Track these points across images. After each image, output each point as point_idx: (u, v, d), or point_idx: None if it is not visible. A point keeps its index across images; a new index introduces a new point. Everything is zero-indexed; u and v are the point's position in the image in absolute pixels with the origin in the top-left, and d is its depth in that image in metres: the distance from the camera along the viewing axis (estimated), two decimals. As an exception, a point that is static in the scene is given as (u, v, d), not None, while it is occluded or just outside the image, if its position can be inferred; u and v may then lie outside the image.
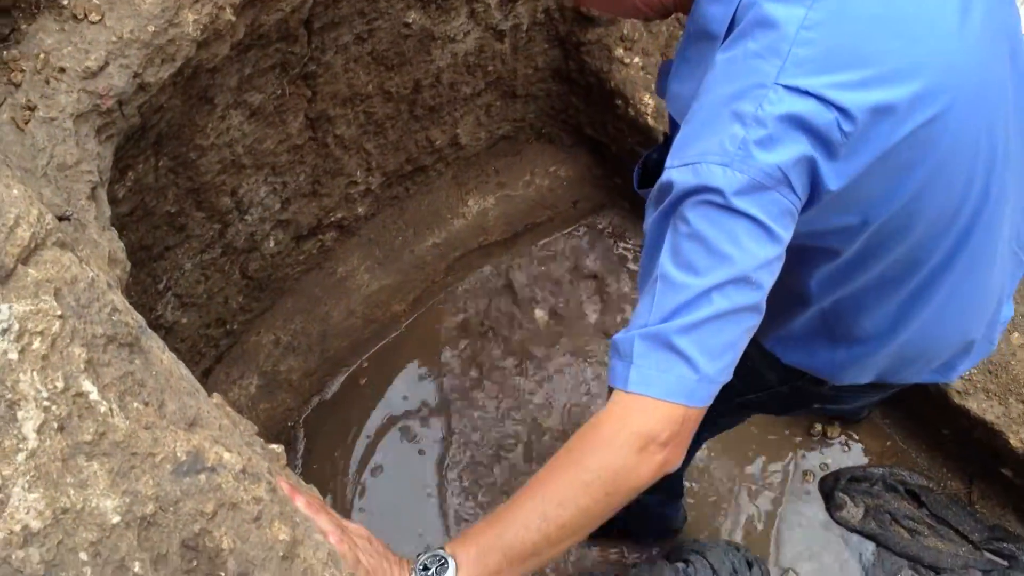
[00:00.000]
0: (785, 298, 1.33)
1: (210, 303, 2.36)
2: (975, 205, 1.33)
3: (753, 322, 1.19)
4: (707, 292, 1.14)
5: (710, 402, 1.19)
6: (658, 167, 1.54)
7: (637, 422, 1.16)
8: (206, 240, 2.21)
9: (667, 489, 2.24)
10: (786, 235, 1.17)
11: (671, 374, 1.15)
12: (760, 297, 1.18)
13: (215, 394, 1.28)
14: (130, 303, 2.01)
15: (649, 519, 2.41)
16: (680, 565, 2.24)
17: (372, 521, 2.59)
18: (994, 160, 1.31)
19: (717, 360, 1.16)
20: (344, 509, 2.60)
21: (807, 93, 1.12)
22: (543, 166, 3.01)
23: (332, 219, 2.61)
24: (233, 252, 2.34)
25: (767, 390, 1.74)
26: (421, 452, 2.70)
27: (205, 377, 2.50)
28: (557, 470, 1.18)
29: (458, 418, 2.75)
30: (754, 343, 1.61)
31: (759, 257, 1.15)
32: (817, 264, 1.39)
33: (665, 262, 1.17)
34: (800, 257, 1.22)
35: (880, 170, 1.21)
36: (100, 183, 1.43)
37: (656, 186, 1.23)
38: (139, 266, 2.01)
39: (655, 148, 1.64)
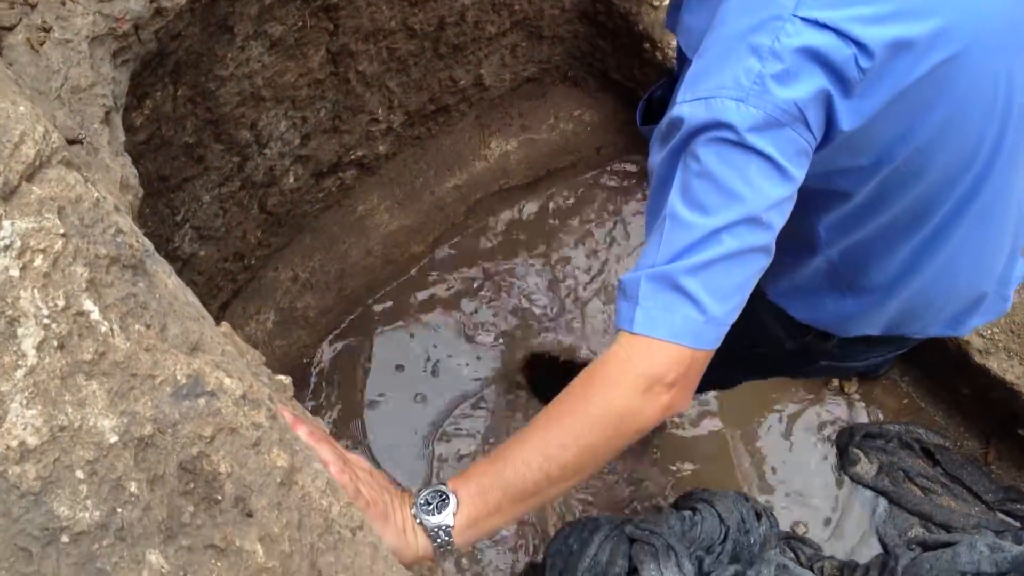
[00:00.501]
0: (793, 246, 1.32)
1: (228, 237, 2.36)
2: (989, 153, 1.30)
3: (762, 263, 1.17)
4: (716, 232, 1.11)
5: (717, 344, 1.17)
6: (662, 105, 1.50)
7: (642, 363, 1.14)
8: (225, 173, 2.20)
9: None
10: (799, 175, 1.14)
11: (677, 315, 1.13)
12: (770, 238, 1.15)
13: (224, 323, 1.28)
14: (146, 233, 2.01)
15: None
16: (687, 513, 2.23)
17: (377, 456, 2.61)
18: (1011, 107, 1.27)
19: (725, 302, 1.15)
20: (350, 444, 2.62)
21: (825, 26, 1.09)
22: (568, 110, 2.97)
23: (352, 157, 2.59)
24: (252, 186, 2.33)
25: (774, 346, 1.72)
26: (430, 390, 2.70)
27: (222, 311, 2.51)
28: (561, 410, 1.17)
29: (470, 359, 2.76)
30: (761, 297, 1.59)
31: (771, 197, 1.12)
32: (826, 209, 1.37)
33: (674, 200, 1.15)
34: (809, 201, 1.20)
35: (895, 110, 1.18)
36: (115, 108, 1.42)
37: (665, 121, 1.20)
38: (156, 196, 2.01)
39: (659, 84, 1.60)
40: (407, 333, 2.79)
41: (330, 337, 2.76)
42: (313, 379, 2.71)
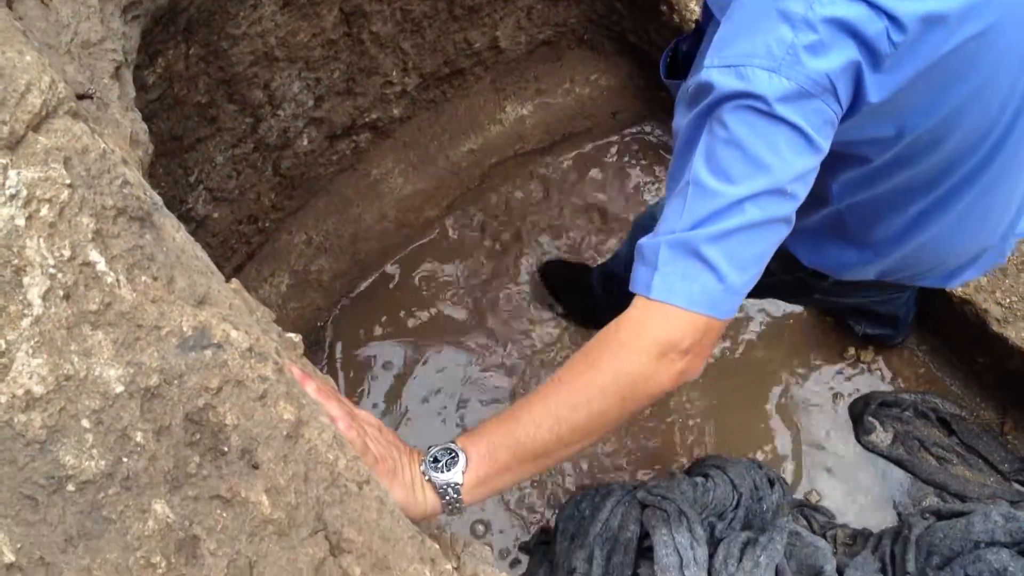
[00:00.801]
0: None
1: (242, 199, 2.36)
2: (1009, 122, 1.29)
3: (783, 234, 1.16)
4: (740, 201, 1.10)
5: (734, 314, 1.16)
6: (688, 58, 1.48)
7: (658, 329, 1.13)
8: (238, 134, 2.19)
9: None
10: (826, 145, 1.13)
11: (696, 283, 1.12)
12: (793, 209, 1.14)
13: (234, 280, 1.27)
14: (160, 194, 2.00)
15: None
16: (699, 480, 2.23)
17: (392, 417, 2.61)
18: None
19: (744, 272, 1.13)
20: (364, 405, 2.62)
21: None
22: (584, 74, 2.94)
23: (366, 119, 2.58)
24: (265, 148, 2.32)
25: (769, 276, 1.74)
26: (444, 353, 2.70)
27: (236, 273, 2.51)
28: (573, 372, 1.16)
29: (486, 322, 2.75)
30: None
31: (797, 168, 1.11)
32: (843, 170, 1.36)
33: (698, 167, 1.13)
34: (826, 162, 1.19)
35: (923, 83, 1.16)
36: (125, 63, 1.40)
37: (693, 85, 1.18)
38: (169, 156, 2.00)
39: (684, 37, 1.58)
40: (422, 297, 2.78)
41: (344, 301, 2.76)
42: (328, 342, 2.71)
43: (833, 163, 1.32)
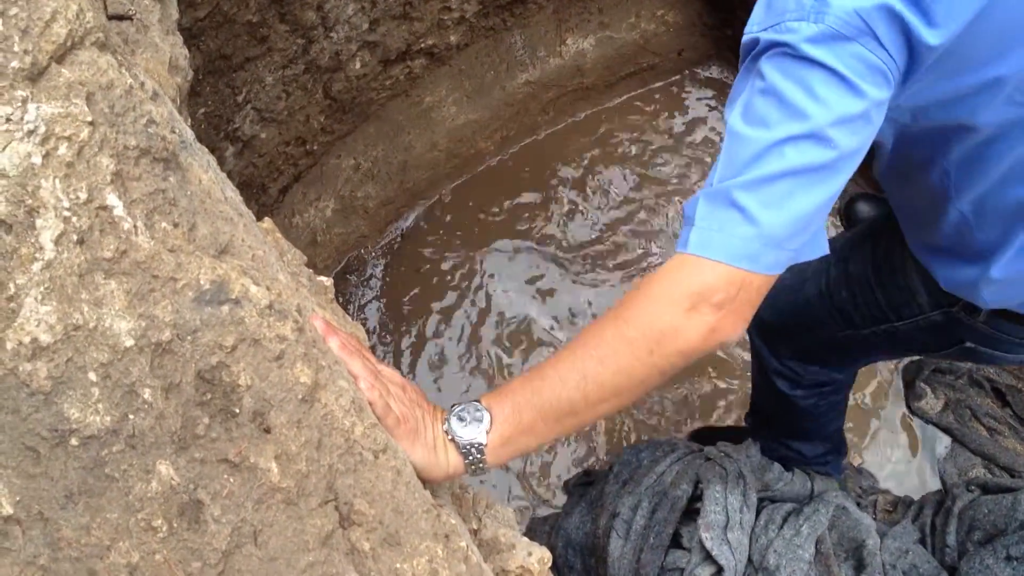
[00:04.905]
0: (925, 194, 1.23)
1: (290, 120, 2.31)
2: None
3: (829, 186, 1.08)
4: (777, 144, 1.04)
5: (777, 270, 1.09)
6: None
7: (689, 280, 1.08)
8: (289, 55, 2.13)
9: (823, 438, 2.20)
10: (874, 93, 1.05)
11: (734, 235, 1.06)
12: (836, 157, 1.06)
13: (266, 219, 1.23)
14: (206, 113, 1.96)
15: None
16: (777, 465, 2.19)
17: (427, 353, 2.59)
18: None
19: (785, 223, 1.06)
20: (399, 342, 2.60)
21: None
22: (650, 8, 2.82)
23: (422, 45, 2.50)
24: (317, 70, 2.26)
25: (918, 316, 1.62)
26: (489, 290, 2.66)
27: (282, 195, 2.48)
28: (601, 326, 1.11)
29: (532, 262, 2.70)
30: (907, 253, 1.51)
31: (836, 111, 1.03)
32: (952, 144, 1.24)
33: (735, 118, 1.09)
34: (929, 139, 1.11)
35: (988, 15, 1.07)
36: (169, -17, 1.35)
37: (742, 49, 1.14)
38: (217, 75, 1.96)
39: None
40: (469, 230, 2.73)
41: (389, 229, 2.72)
42: (370, 269, 2.69)
43: (937, 138, 1.24)
